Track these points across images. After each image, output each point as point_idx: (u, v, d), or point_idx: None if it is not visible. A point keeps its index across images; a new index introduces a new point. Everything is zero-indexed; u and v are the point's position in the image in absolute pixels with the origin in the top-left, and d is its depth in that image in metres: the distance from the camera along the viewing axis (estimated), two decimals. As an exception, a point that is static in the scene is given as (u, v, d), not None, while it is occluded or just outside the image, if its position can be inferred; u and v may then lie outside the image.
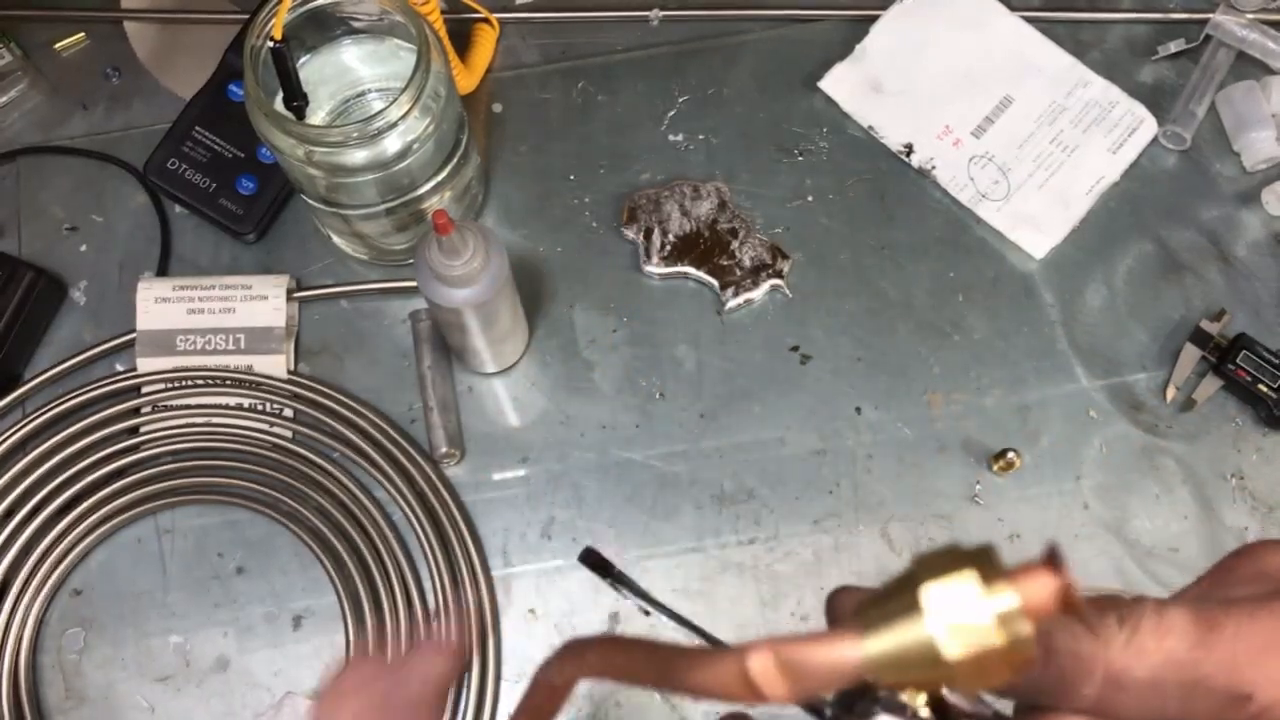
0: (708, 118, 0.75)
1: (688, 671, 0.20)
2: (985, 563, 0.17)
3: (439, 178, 0.64)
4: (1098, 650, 0.23)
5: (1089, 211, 0.72)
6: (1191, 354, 0.69)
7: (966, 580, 0.17)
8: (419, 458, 0.67)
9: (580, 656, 0.22)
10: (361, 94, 0.67)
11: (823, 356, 0.70)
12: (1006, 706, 0.24)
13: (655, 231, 0.71)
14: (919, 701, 0.21)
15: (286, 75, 0.59)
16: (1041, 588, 0.17)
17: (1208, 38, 0.75)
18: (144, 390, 0.69)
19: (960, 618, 0.17)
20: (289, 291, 0.70)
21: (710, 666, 0.19)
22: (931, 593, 0.17)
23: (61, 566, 0.66)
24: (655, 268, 0.71)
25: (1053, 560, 0.17)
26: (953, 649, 0.17)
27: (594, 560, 0.53)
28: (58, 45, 0.78)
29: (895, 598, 0.17)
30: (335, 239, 0.71)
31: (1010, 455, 0.66)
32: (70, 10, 0.79)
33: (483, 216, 0.74)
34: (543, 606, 0.66)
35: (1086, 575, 0.66)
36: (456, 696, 0.64)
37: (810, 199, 0.74)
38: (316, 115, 0.65)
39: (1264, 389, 0.67)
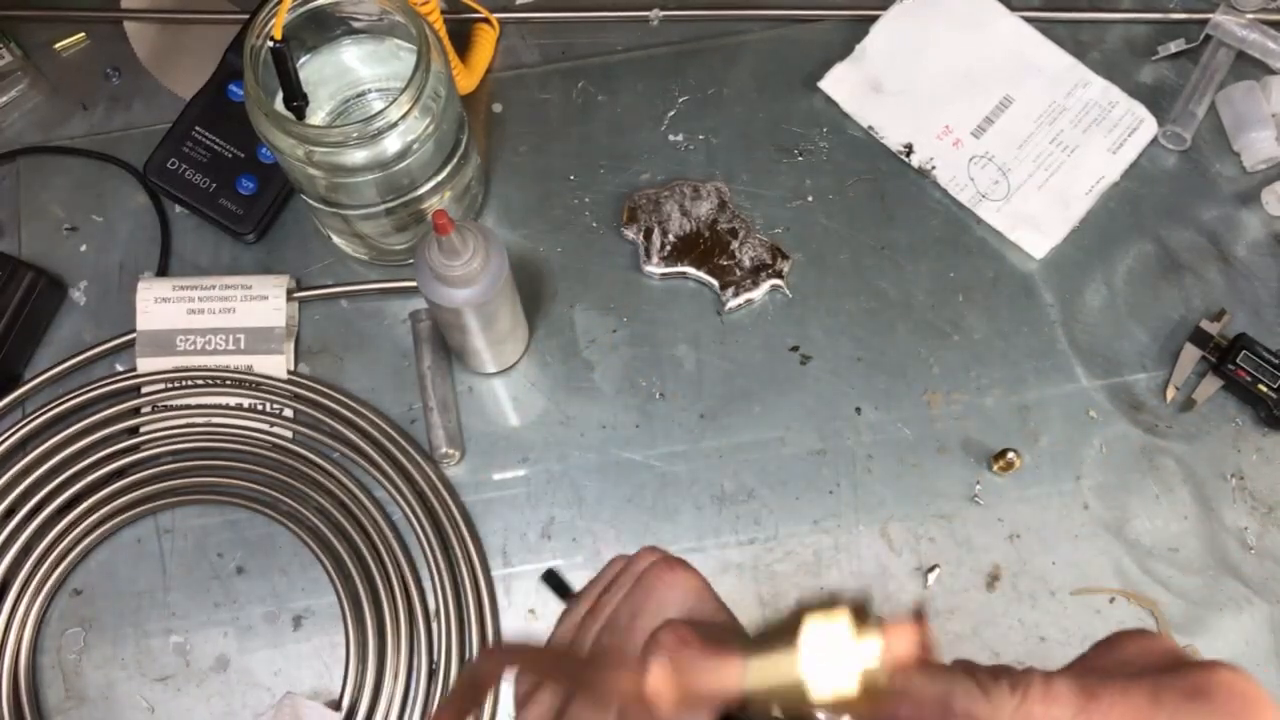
0: (708, 118, 0.75)
1: (594, 676, 0.22)
2: (861, 613, 0.19)
3: (439, 178, 0.64)
4: (990, 713, 0.25)
5: (1089, 212, 0.72)
6: (1191, 354, 0.69)
7: (839, 627, 0.19)
8: (419, 458, 0.67)
9: (502, 655, 0.25)
10: (361, 94, 0.67)
11: (823, 357, 0.70)
12: None
13: (655, 231, 0.71)
14: None
15: (286, 75, 0.59)
16: (903, 641, 0.18)
17: (1208, 38, 0.75)
18: (144, 390, 0.69)
19: (829, 661, 0.18)
20: (289, 291, 0.70)
21: (613, 675, 0.21)
22: (807, 635, 0.19)
23: (61, 566, 0.66)
24: (655, 268, 0.71)
25: (917, 618, 0.19)
26: (818, 690, 0.19)
27: (554, 582, 0.55)
28: (58, 45, 0.78)
29: (778, 636, 0.19)
30: (335, 239, 0.71)
31: (1010, 455, 0.66)
32: (70, 10, 0.79)
33: (483, 216, 0.74)
34: (543, 606, 0.66)
35: (1087, 576, 0.66)
36: (456, 696, 0.64)
37: (810, 199, 0.74)
38: (316, 115, 0.65)
39: (1264, 389, 0.67)
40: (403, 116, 0.57)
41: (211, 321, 0.69)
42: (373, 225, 0.67)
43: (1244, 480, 0.68)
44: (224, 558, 0.67)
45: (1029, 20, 0.76)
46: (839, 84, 0.75)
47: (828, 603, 0.20)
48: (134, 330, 0.70)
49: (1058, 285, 0.72)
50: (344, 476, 0.67)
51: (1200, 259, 0.72)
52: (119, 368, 0.71)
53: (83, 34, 0.78)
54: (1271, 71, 0.74)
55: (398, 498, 0.66)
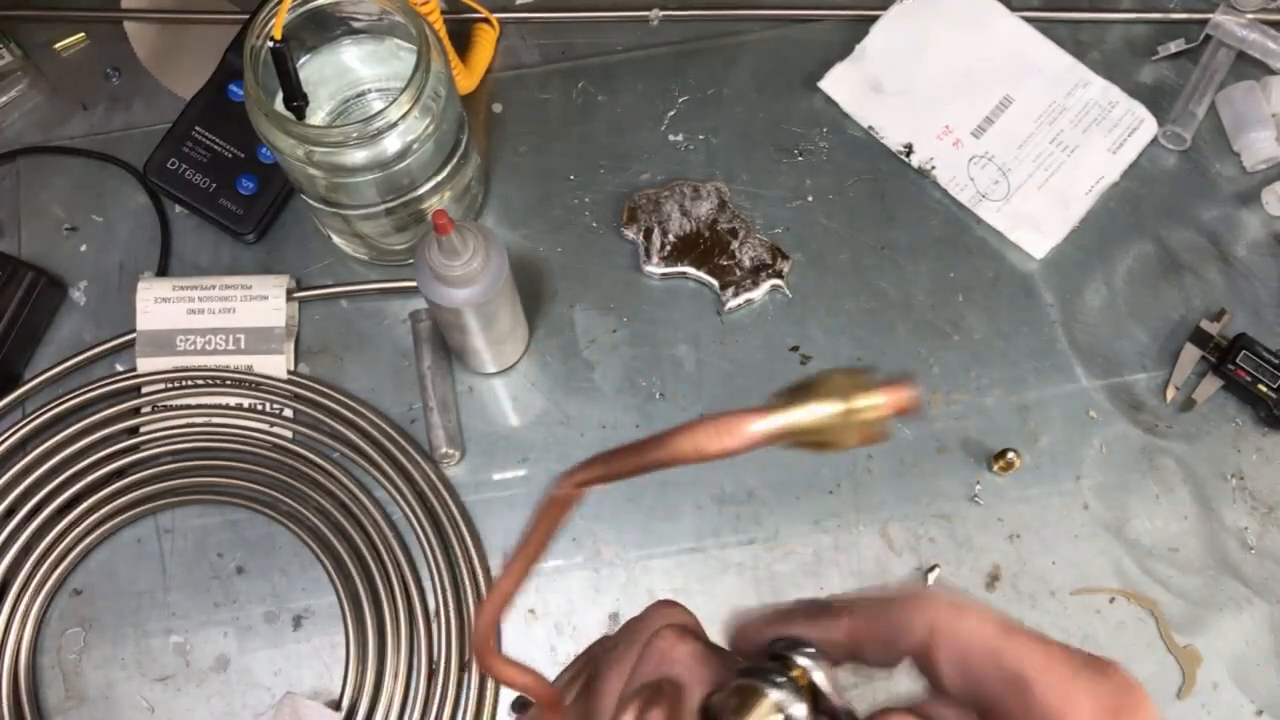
0: (708, 118, 0.75)
1: (658, 450, 0.27)
2: (864, 375, 0.26)
3: (439, 178, 0.64)
4: (930, 600, 0.27)
5: (1089, 211, 0.72)
6: (1191, 354, 0.69)
7: (852, 381, 0.25)
8: (419, 458, 0.67)
9: (572, 474, 0.28)
10: (361, 94, 0.67)
11: (823, 357, 0.70)
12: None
13: (655, 231, 0.71)
14: (804, 681, 0.26)
15: (286, 75, 0.59)
16: (899, 395, 0.25)
17: (1208, 38, 0.75)
18: (144, 390, 0.69)
19: (844, 403, 0.25)
20: (289, 291, 0.70)
21: (672, 442, 0.27)
22: (828, 384, 0.25)
23: (61, 566, 0.66)
24: (655, 268, 0.71)
25: (907, 379, 0.25)
26: (843, 417, 0.25)
27: (522, 705, 0.61)
28: (58, 45, 0.78)
29: (800, 392, 0.26)
30: (335, 239, 0.71)
31: (1010, 455, 0.66)
32: (70, 10, 0.79)
33: (483, 216, 0.74)
34: (543, 606, 0.66)
35: (1087, 576, 0.66)
36: (457, 696, 0.64)
37: (810, 199, 0.74)
38: (316, 115, 0.65)
39: (1264, 389, 0.67)
40: (403, 116, 0.57)
41: (211, 321, 0.69)
42: (373, 225, 0.67)
43: (1244, 480, 0.68)
44: (224, 558, 0.67)
45: (1029, 20, 0.76)
46: (839, 84, 0.75)
47: (836, 370, 0.26)
48: (134, 330, 0.70)
49: (1058, 285, 0.72)
50: (344, 476, 0.67)
51: (1200, 259, 0.72)
52: (119, 368, 0.71)
53: (83, 34, 0.78)
54: (1272, 71, 0.74)
55: (398, 498, 0.66)
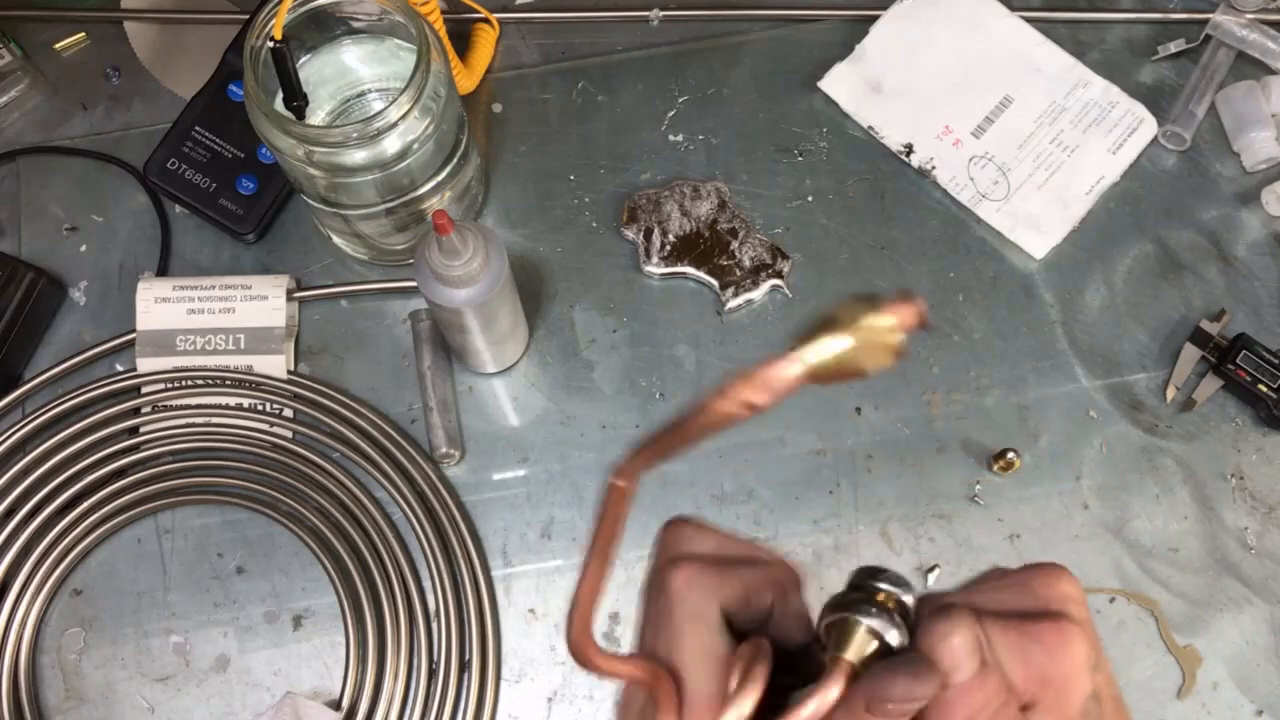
0: (708, 118, 0.75)
1: (699, 418, 0.28)
2: (874, 299, 0.27)
3: (439, 178, 0.64)
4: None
5: (1089, 212, 0.72)
6: (1191, 354, 0.69)
7: (861, 306, 0.27)
8: (419, 458, 0.67)
9: (626, 463, 0.28)
10: (361, 94, 0.67)
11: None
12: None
13: (655, 231, 0.71)
14: (885, 597, 0.28)
15: (286, 75, 0.59)
16: (909, 311, 0.26)
17: (1207, 38, 0.75)
18: (144, 390, 0.69)
19: (857, 329, 0.27)
20: (289, 291, 0.70)
21: (711, 409, 0.28)
22: (841, 315, 0.27)
23: (61, 566, 0.66)
24: (655, 268, 0.71)
25: (912, 295, 0.27)
26: (860, 343, 0.27)
27: None
28: (58, 45, 0.78)
29: (818, 330, 0.27)
30: (335, 239, 0.71)
31: (1010, 455, 0.66)
32: (70, 10, 0.79)
33: (483, 216, 0.74)
34: (543, 606, 0.66)
35: (1087, 576, 0.66)
36: (457, 696, 0.64)
37: (810, 199, 0.74)
38: (316, 115, 0.65)
39: (1264, 389, 0.67)
40: (402, 116, 0.57)
41: (211, 321, 0.69)
42: (373, 225, 0.67)
43: (1244, 480, 0.68)
44: (224, 558, 0.67)
45: (1029, 20, 0.76)
46: (839, 84, 0.75)
47: (847, 299, 0.27)
48: (134, 330, 0.70)
49: (1058, 285, 0.72)
50: (344, 476, 0.67)
51: (1200, 259, 0.72)
52: (119, 368, 0.71)
53: (83, 34, 0.78)
54: (1271, 71, 0.74)
55: (398, 498, 0.66)
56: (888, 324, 0.27)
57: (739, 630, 0.30)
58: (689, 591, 0.30)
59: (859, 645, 0.27)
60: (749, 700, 0.28)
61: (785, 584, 0.30)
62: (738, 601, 0.30)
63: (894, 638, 0.27)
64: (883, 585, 0.28)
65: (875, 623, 0.27)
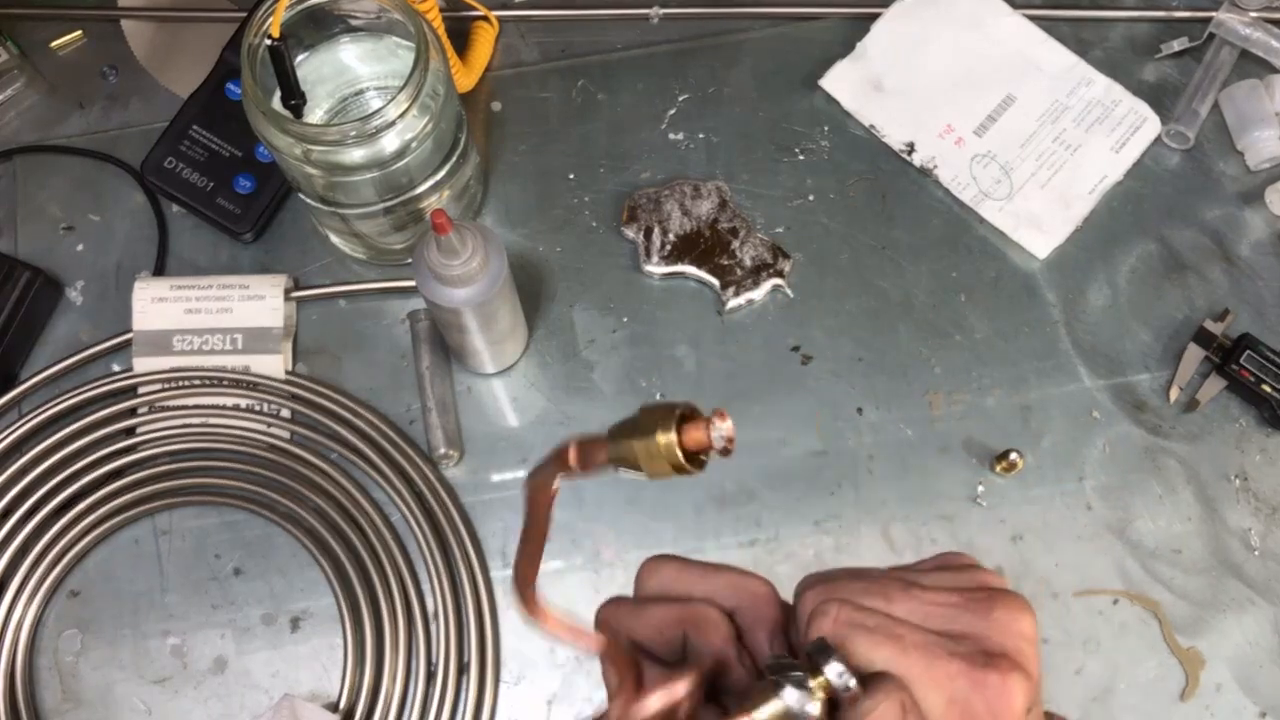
0: (708, 117, 0.75)
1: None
2: (681, 412, 0.31)
3: (437, 177, 0.64)
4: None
5: (1091, 211, 0.72)
6: (1195, 354, 0.69)
7: (660, 417, 0.31)
8: (417, 458, 0.67)
9: (544, 467, 0.34)
10: (360, 92, 0.66)
11: (824, 357, 0.70)
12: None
13: (655, 231, 0.71)
14: (818, 682, 0.29)
15: (284, 74, 0.59)
16: (697, 433, 0.30)
17: (1211, 36, 0.74)
18: (141, 391, 0.69)
19: (647, 439, 0.30)
20: (287, 291, 0.70)
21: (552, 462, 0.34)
22: (647, 419, 0.31)
23: (59, 568, 0.66)
24: (655, 267, 0.70)
25: (720, 413, 0.30)
26: (651, 456, 0.31)
27: None
28: (55, 44, 0.78)
29: (627, 431, 0.31)
30: (333, 238, 0.71)
31: (1012, 456, 0.66)
32: (67, 9, 0.78)
33: (482, 216, 0.74)
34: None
35: (1089, 577, 0.66)
36: (455, 699, 0.63)
37: (811, 198, 0.73)
38: (314, 114, 0.65)
39: (1268, 389, 0.67)
40: (401, 115, 0.57)
41: (208, 321, 0.69)
42: (371, 224, 0.66)
43: (1247, 481, 0.67)
44: (221, 559, 0.67)
45: (1031, 18, 0.75)
46: (840, 83, 0.75)
47: (658, 406, 0.31)
48: (131, 330, 0.69)
49: (1060, 285, 0.71)
50: (342, 477, 0.67)
51: (1204, 259, 0.72)
52: (116, 368, 0.70)
53: (80, 32, 0.78)
54: (1275, 70, 0.74)
55: (396, 499, 0.66)
56: (672, 440, 0.31)
57: (660, 656, 0.34)
58: (608, 621, 0.36)
59: (772, 712, 0.29)
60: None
61: (706, 623, 0.33)
62: (649, 635, 0.34)
63: (813, 711, 0.29)
64: (831, 668, 0.29)
65: (794, 704, 0.29)
